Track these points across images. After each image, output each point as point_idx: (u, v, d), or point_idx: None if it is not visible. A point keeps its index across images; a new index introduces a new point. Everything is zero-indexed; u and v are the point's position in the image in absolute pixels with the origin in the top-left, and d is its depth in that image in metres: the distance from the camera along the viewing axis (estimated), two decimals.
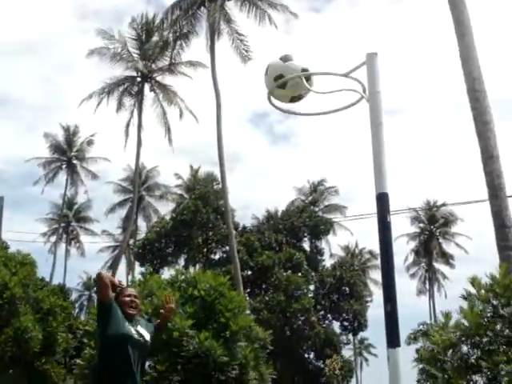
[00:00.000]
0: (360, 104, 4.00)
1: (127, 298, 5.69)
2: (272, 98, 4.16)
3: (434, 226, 57.31)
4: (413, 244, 58.30)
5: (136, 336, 5.57)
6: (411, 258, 58.55)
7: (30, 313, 23.54)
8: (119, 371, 5.43)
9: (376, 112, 3.79)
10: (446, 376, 8.74)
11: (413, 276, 59.02)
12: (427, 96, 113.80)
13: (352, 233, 52.20)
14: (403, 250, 57.98)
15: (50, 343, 24.49)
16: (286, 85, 4.03)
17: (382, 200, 3.66)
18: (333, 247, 49.96)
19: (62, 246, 61.83)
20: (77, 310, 58.00)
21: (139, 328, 5.68)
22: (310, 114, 4.36)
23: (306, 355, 34.50)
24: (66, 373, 26.59)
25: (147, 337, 5.70)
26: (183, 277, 16.89)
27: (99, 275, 5.66)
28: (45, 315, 24.60)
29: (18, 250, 27.50)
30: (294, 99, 4.13)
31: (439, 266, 58.70)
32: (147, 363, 13.90)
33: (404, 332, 35.37)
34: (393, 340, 3.50)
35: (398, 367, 3.45)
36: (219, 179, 34.58)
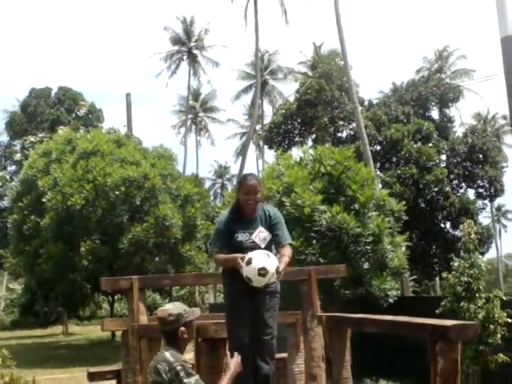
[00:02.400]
0: None
1: (245, 197, 5.58)
2: None
3: None
4: None
5: (247, 244, 5.56)
6: None
7: (169, 202, 24.66)
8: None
9: None
10: None
11: None
12: None
13: (482, 97, 50.25)
14: None
15: (190, 229, 25.66)
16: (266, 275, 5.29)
17: (507, 43, 3.48)
18: (463, 115, 48.45)
19: (192, 136, 63.55)
20: (211, 198, 60.13)
21: (256, 233, 5.60)
22: None
23: (442, 225, 34.22)
24: (207, 258, 27.93)
25: (262, 243, 5.60)
26: (310, 156, 17.06)
27: (216, 259, 5.87)
28: (183, 203, 25.70)
29: (159, 145, 28.51)
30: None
31: None
32: None
33: None
34: None
35: None
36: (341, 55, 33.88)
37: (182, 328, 4.14)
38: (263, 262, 5.21)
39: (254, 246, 5.54)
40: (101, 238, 24.77)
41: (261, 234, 5.60)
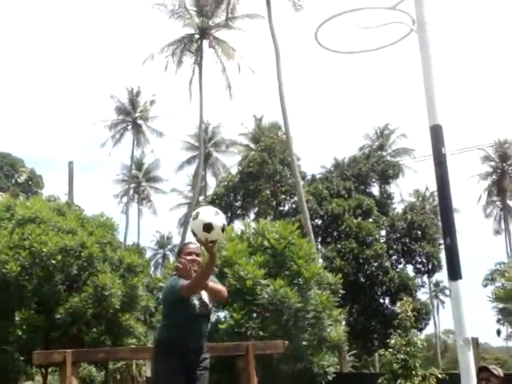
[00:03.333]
0: (411, 37, 3.94)
1: (188, 257, 5.57)
2: (319, 38, 4.14)
3: (506, 164, 55.89)
4: (485, 184, 57.16)
5: (198, 307, 5.55)
6: (485, 198, 57.52)
7: (110, 271, 24.25)
8: (180, 332, 5.46)
9: (425, 44, 3.73)
10: None
11: (488, 216, 58.05)
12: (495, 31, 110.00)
13: (421, 175, 51.76)
14: (475, 190, 57.09)
15: (130, 300, 25.20)
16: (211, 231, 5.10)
17: (436, 132, 3.63)
18: (403, 192, 49.67)
19: (134, 206, 63.25)
20: (152, 269, 59.43)
21: (203, 295, 5.62)
22: (360, 51, 4.32)
23: (382, 300, 34.53)
24: (147, 329, 27.41)
25: (210, 304, 5.67)
26: (252, 229, 17.10)
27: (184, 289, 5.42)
28: (124, 273, 25.31)
29: (100, 213, 28.23)
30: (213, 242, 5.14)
31: None
32: (223, 313, 14.22)
33: (482, 273, 34.97)
34: (454, 273, 3.50)
35: (460, 299, 3.45)
36: (283, 129, 34.52)
37: None
38: (210, 217, 5.11)
39: (204, 312, 5.61)
40: (36, 308, 24.10)
41: (206, 296, 5.64)
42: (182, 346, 5.46)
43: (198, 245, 5.74)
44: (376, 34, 4.05)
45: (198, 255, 5.66)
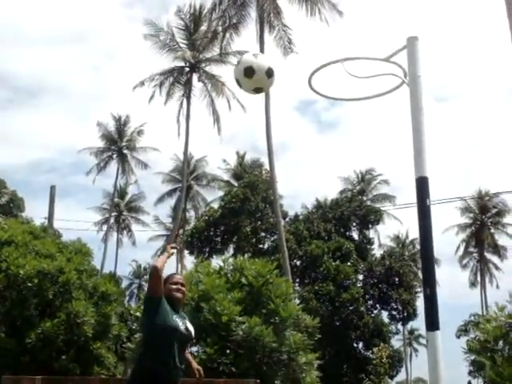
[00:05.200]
0: (402, 89, 4.04)
1: (174, 286, 5.66)
2: (312, 84, 4.24)
3: (486, 216, 56.37)
4: (463, 235, 57.50)
5: (182, 329, 5.56)
6: (462, 249, 57.81)
7: (84, 298, 24.07)
8: (161, 360, 5.42)
9: (416, 96, 3.82)
10: (496, 365, 8.70)
11: (464, 267, 58.29)
12: (477, 82, 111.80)
13: (401, 222, 52.02)
14: (454, 240, 57.38)
15: (102, 328, 24.95)
16: (253, 76, 4.62)
17: (422, 184, 3.70)
18: (382, 237, 49.84)
19: (114, 234, 62.91)
20: (127, 298, 58.98)
21: (187, 322, 5.69)
22: (353, 99, 4.43)
23: (355, 344, 34.45)
24: (117, 360, 27.12)
25: (193, 332, 5.77)
26: (231, 265, 17.10)
27: (154, 268, 5.49)
28: (98, 301, 25.12)
29: (77, 239, 28.12)
30: (258, 90, 4.82)
31: (491, 256, 57.82)
32: (195, 348, 14.14)
33: (456, 324, 35.03)
34: (432, 323, 3.55)
35: (438, 350, 3.50)
36: (266, 166, 34.73)
37: None
38: (250, 60, 4.80)
39: (186, 334, 5.59)
40: (7, 331, 23.79)
41: (191, 326, 5.70)
42: (163, 377, 5.44)
43: (182, 276, 5.92)
44: (368, 83, 4.15)
45: (182, 285, 5.80)
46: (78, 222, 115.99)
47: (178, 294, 5.71)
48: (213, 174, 54.29)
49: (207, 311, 14.68)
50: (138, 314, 17.73)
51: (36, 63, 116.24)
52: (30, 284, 22.60)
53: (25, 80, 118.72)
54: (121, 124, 55.34)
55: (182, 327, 5.56)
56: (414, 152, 3.75)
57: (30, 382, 6.93)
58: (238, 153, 44.82)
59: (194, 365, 5.74)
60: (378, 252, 40.59)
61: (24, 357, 23.39)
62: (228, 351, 14.49)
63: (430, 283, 3.53)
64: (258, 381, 7.98)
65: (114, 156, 55.32)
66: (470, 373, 29.19)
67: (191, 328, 5.72)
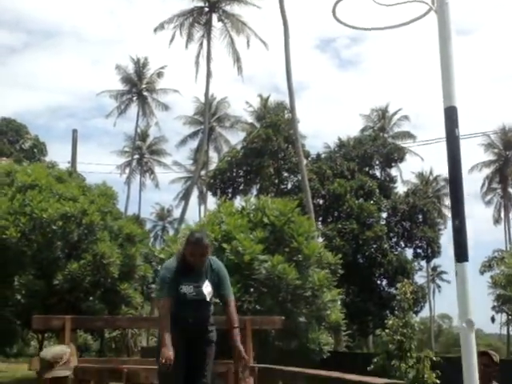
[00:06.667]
0: (428, 18, 3.89)
1: (191, 258, 5.49)
2: (336, 14, 4.09)
3: (510, 152, 55.65)
4: (487, 171, 56.90)
5: (190, 293, 5.50)
6: (486, 186, 57.34)
7: (109, 240, 24.30)
8: (179, 318, 5.46)
9: (445, 23, 3.68)
10: None
11: (488, 203, 57.90)
12: (501, 14, 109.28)
13: (422, 158, 51.52)
14: (477, 177, 56.86)
15: (128, 269, 25.27)
16: None
17: (451, 114, 3.59)
18: (404, 174, 49.53)
19: (137, 177, 63.17)
20: (151, 240, 59.57)
21: (203, 283, 5.56)
22: (378, 28, 4.27)
23: (379, 282, 34.64)
24: (143, 300, 27.52)
25: (208, 296, 5.59)
26: (253, 205, 17.12)
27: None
28: (123, 242, 25.37)
29: (102, 182, 28.28)
30: None
31: None
32: None
33: (479, 261, 35.03)
34: (461, 254, 3.47)
35: (466, 281, 3.43)
36: (289, 107, 34.35)
37: None
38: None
39: (197, 299, 5.52)
40: (36, 273, 24.17)
41: (207, 288, 5.58)
42: (182, 320, 5.47)
43: (206, 243, 5.56)
44: (394, 12, 4.00)
45: (202, 255, 5.54)
46: (100, 165, 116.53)
47: (195, 262, 5.52)
48: (236, 117, 54.04)
49: (229, 251, 14.76)
50: (162, 255, 17.95)
51: (52, 7, 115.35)
52: (54, 227, 22.85)
53: (41, 23, 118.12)
54: (140, 66, 54.91)
55: (189, 293, 5.52)
56: (443, 81, 3.61)
57: (60, 322, 6.98)
58: (261, 96, 44.40)
59: (237, 348, 5.55)
60: (401, 190, 40.44)
61: (52, 298, 23.82)
62: (252, 290, 14.63)
63: (459, 214, 3.43)
64: (283, 318, 7.98)
65: (134, 98, 55.08)
66: (493, 308, 29.31)
67: (207, 289, 5.58)
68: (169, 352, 5.14)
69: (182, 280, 5.53)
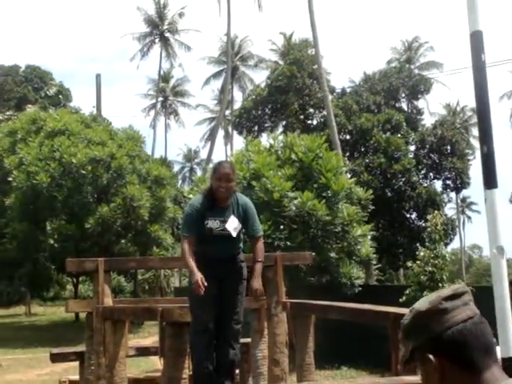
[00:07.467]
0: None
1: (217, 183, 5.51)
2: None
3: None
4: None
5: (216, 228, 5.53)
6: None
7: (138, 183, 24.54)
8: (205, 252, 5.57)
9: None
10: None
11: None
12: None
13: (449, 88, 50.74)
14: (507, 106, 55.91)
15: (158, 211, 25.57)
16: None
17: (476, 38, 3.49)
18: (432, 106, 48.88)
19: (162, 119, 63.18)
20: (180, 182, 59.95)
21: (229, 220, 5.57)
22: None
23: (408, 215, 34.57)
24: (174, 241, 27.86)
25: (234, 231, 5.59)
26: (280, 143, 17.08)
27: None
28: (152, 185, 25.61)
29: (129, 126, 28.37)
30: None
31: None
32: None
33: (509, 190, 34.72)
34: (489, 181, 3.42)
35: (496, 208, 3.39)
36: (313, 44, 33.84)
37: None
38: None
39: (224, 234, 5.54)
40: (67, 218, 24.55)
41: (233, 223, 5.58)
42: (210, 257, 5.52)
43: (232, 168, 5.69)
44: None
45: (229, 180, 5.54)
46: (125, 109, 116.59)
47: (221, 193, 5.54)
48: (259, 56, 53.47)
49: (258, 189, 14.83)
50: (191, 195, 18.07)
51: None
52: (83, 171, 23.13)
53: None
54: (160, 7, 54.30)
55: (215, 228, 5.54)
56: (468, 5, 3.51)
57: (93, 264, 7.09)
58: (284, 33, 43.75)
59: (254, 284, 5.60)
60: (428, 121, 39.95)
61: (85, 242, 24.28)
62: (282, 227, 14.73)
63: (487, 140, 3.38)
64: (313, 253, 8.04)
65: (157, 40, 54.66)
66: None
67: (232, 225, 5.59)
68: (199, 275, 5.21)
69: (207, 215, 5.56)
